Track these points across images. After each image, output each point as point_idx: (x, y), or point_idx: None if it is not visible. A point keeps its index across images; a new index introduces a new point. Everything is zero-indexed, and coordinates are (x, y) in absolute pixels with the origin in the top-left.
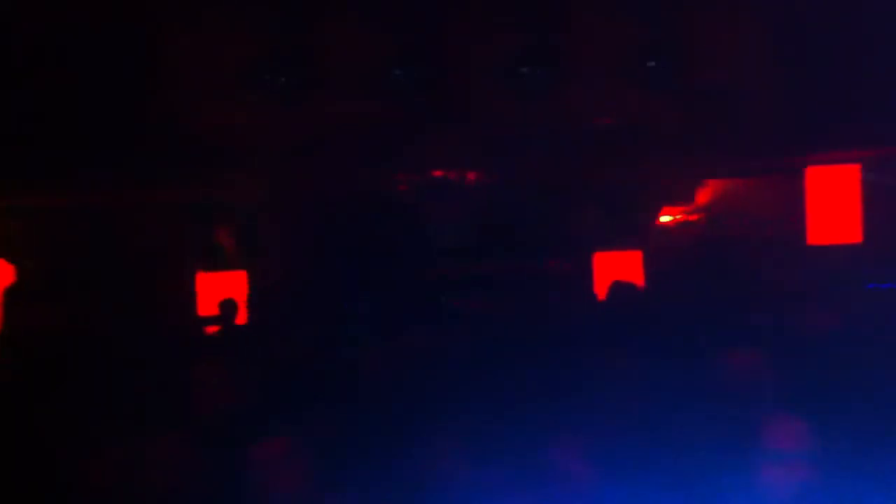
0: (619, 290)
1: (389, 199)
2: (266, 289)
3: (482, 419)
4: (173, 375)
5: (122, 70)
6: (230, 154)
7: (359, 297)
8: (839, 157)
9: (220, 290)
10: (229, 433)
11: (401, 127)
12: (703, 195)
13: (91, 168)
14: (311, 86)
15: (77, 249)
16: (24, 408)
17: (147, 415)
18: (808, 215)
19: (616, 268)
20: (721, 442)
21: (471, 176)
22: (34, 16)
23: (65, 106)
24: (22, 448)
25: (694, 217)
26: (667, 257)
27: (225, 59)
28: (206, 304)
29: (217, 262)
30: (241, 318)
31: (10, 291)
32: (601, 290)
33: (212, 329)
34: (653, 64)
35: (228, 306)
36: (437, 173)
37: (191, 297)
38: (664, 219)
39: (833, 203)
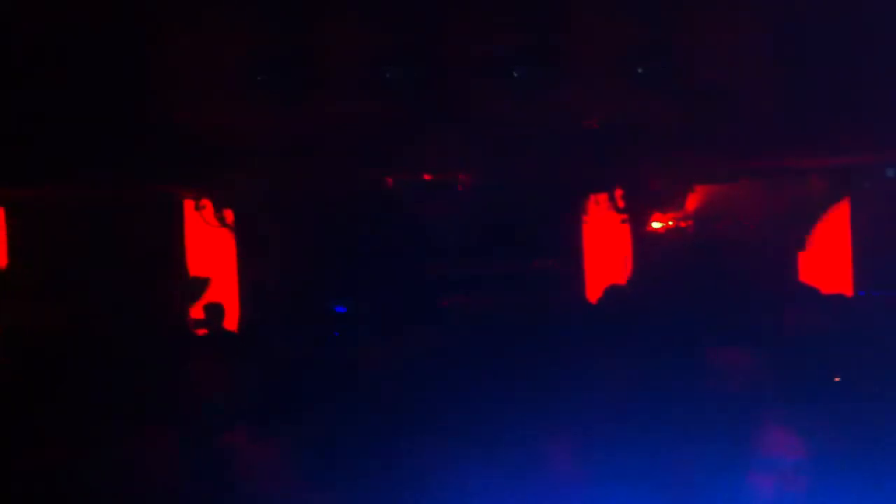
0: (614, 291)
1: (388, 199)
2: (265, 289)
3: (482, 419)
4: (172, 374)
5: (122, 70)
6: (230, 154)
7: (357, 296)
8: (836, 160)
9: (219, 290)
10: (229, 433)
11: (400, 127)
12: (696, 198)
13: (91, 168)
14: (310, 86)
15: (77, 249)
16: (23, 407)
17: (146, 414)
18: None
19: (611, 269)
20: (716, 443)
21: (470, 176)
22: (34, 16)
23: (65, 106)
24: (22, 448)
25: (687, 221)
26: (661, 259)
27: (225, 59)
28: (197, 307)
29: (215, 263)
30: (228, 322)
31: (10, 291)
32: (596, 291)
33: (200, 332)
34: (653, 64)
35: (214, 311)
36: (437, 173)
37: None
38: (656, 224)
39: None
